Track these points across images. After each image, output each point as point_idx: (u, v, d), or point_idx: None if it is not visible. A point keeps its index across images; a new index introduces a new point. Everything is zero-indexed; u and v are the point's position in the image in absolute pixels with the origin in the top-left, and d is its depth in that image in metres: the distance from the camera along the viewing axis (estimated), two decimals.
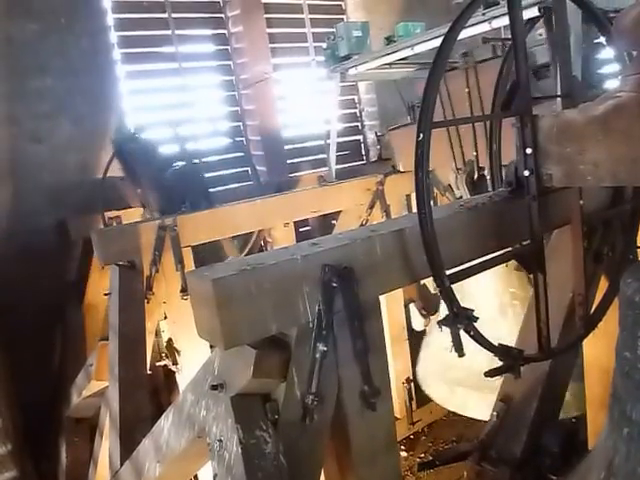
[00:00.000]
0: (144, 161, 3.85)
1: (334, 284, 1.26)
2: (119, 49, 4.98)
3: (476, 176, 3.32)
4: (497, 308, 3.16)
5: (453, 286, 1.37)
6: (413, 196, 1.40)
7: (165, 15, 5.24)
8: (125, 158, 3.90)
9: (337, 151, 5.15)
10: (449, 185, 3.49)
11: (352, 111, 6.53)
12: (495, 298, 3.20)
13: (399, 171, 4.29)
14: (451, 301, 1.36)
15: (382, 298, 1.44)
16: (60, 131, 4.54)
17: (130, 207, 4.19)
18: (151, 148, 4.03)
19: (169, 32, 5.27)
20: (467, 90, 3.29)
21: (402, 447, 4.44)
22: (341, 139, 5.70)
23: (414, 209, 1.34)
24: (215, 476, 1.37)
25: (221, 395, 1.35)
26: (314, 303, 1.27)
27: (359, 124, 6.58)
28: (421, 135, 1.31)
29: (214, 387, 1.35)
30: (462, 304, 1.38)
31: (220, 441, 1.34)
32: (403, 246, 1.40)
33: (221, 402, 1.35)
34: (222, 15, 5.63)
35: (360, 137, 6.59)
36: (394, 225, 1.46)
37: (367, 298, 1.33)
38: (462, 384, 3.10)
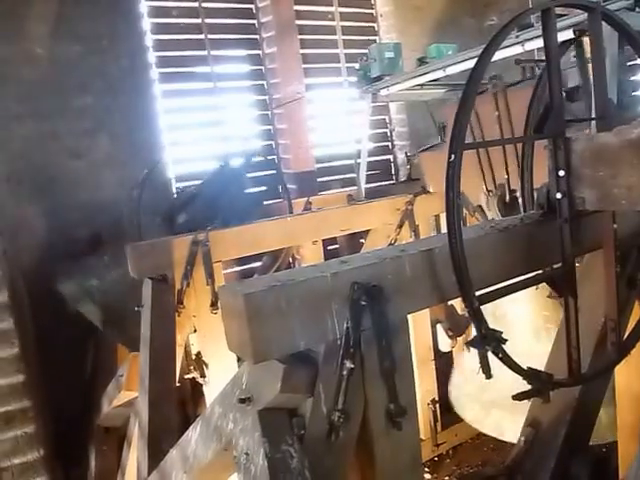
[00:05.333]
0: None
1: (363, 302, 1.28)
2: (157, 69, 5.13)
3: (508, 198, 3.31)
4: (531, 331, 3.12)
5: (485, 308, 1.36)
6: (442, 217, 1.41)
7: (202, 36, 5.38)
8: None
9: (367, 170, 5.18)
10: (479, 206, 3.48)
11: (383, 131, 6.55)
12: (528, 321, 3.16)
13: (428, 191, 4.29)
14: (479, 322, 1.36)
15: (409, 318, 1.44)
16: (98, 147, 4.69)
17: None
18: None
19: (205, 53, 5.41)
20: (497, 113, 3.30)
21: (426, 469, 4.37)
22: (371, 158, 5.73)
23: (443, 230, 1.35)
24: None
25: (249, 408, 1.37)
26: (342, 320, 1.28)
27: (389, 144, 6.60)
28: (452, 156, 1.33)
29: (242, 400, 1.37)
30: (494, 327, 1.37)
31: (247, 454, 1.35)
32: (432, 266, 1.41)
33: (248, 415, 1.37)
34: (257, 36, 5.75)
35: (390, 157, 6.60)
36: (423, 245, 1.47)
37: (395, 317, 1.34)
38: (498, 406, 3.04)
